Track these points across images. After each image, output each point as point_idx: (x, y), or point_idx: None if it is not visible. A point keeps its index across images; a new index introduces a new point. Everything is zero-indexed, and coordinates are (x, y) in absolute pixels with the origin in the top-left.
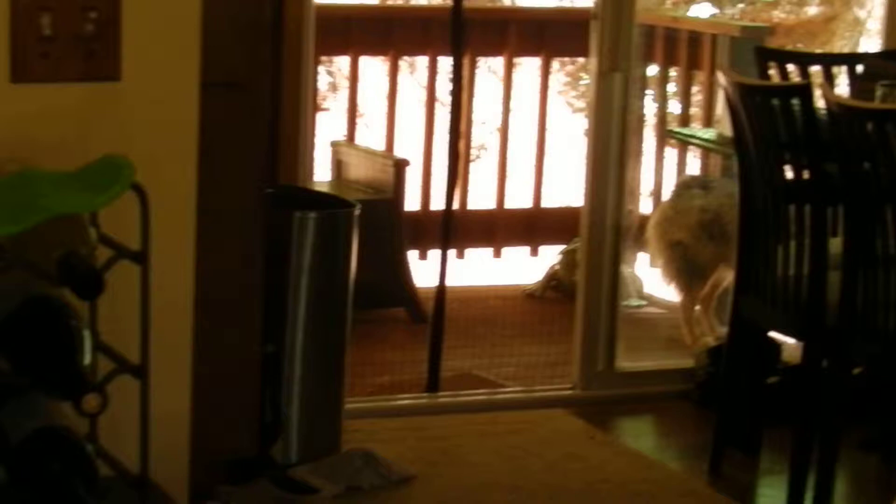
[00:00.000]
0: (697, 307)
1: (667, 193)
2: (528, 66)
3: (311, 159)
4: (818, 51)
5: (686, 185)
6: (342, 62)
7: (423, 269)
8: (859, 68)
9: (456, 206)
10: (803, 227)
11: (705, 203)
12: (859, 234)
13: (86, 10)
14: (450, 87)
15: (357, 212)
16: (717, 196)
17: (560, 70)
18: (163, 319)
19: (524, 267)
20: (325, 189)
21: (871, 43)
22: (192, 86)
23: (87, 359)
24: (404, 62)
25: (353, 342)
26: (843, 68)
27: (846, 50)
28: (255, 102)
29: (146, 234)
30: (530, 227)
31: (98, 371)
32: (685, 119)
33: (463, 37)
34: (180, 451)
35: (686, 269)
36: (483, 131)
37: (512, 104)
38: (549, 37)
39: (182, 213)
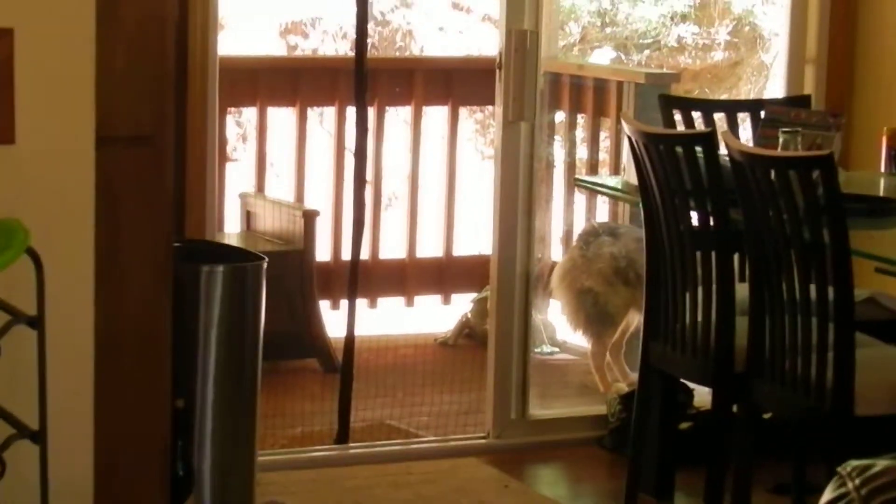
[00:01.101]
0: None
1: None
2: (437, 115)
3: (221, 211)
4: (724, 96)
5: (594, 233)
6: (250, 113)
7: (335, 320)
8: (763, 114)
9: (367, 255)
10: (710, 273)
11: (616, 250)
12: (765, 280)
13: None
14: (356, 136)
15: (265, 265)
16: (627, 242)
17: (469, 117)
18: (62, 383)
19: (436, 315)
20: (234, 240)
21: (776, 86)
22: (87, 145)
23: None
24: (313, 112)
25: (265, 393)
26: (748, 114)
27: (752, 94)
28: (160, 155)
29: (41, 298)
30: (442, 275)
31: None
32: (594, 165)
33: (367, 87)
34: None
35: (596, 317)
36: (393, 180)
37: (421, 153)
38: (456, 85)
39: (79, 275)
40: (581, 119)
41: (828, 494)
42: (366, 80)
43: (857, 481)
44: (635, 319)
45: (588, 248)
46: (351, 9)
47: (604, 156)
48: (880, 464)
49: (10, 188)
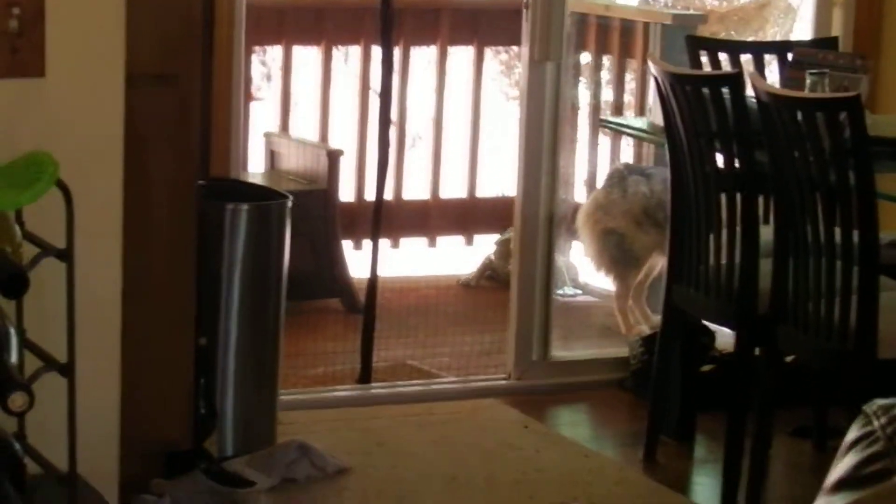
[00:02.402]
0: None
1: (600, 182)
2: (462, 55)
3: (245, 150)
4: (751, 38)
5: (620, 175)
6: (275, 52)
7: (358, 260)
8: (790, 56)
9: (390, 196)
10: (734, 215)
11: (648, 190)
12: (790, 223)
13: (9, 5)
14: (381, 76)
15: (289, 204)
16: (657, 182)
17: (495, 58)
18: (90, 316)
19: (459, 257)
20: (259, 179)
21: (804, 29)
22: (117, 81)
23: (14, 357)
24: (338, 52)
25: (288, 333)
26: (774, 56)
27: (779, 37)
28: (186, 94)
29: (71, 231)
30: (465, 216)
31: (25, 369)
32: (618, 107)
33: (393, 26)
34: (111, 447)
35: (620, 258)
36: (418, 120)
37: (446, 93)
38: (482, 26)
39: (108, 209)
40: (607, 60)
41: (853, 433)
42: (392, 19)
43: (884, 420)
44: (659, 262)
45: (614, 190)
46: None
47: (629, 97)
48: None
49: (41, 121)
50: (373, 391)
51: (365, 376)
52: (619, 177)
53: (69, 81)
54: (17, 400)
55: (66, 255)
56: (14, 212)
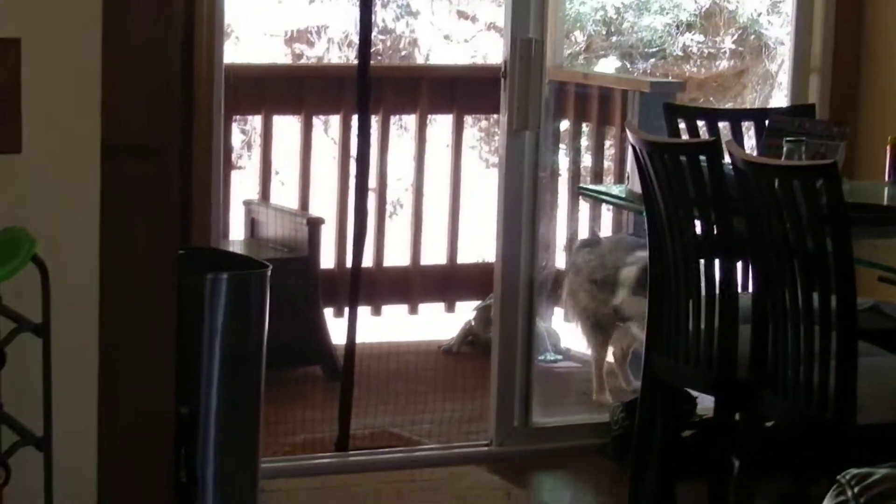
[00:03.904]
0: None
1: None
2: (442, 123)
3: (225, 218)
4: (729, 105)
5: (583, 244)
6: (255, 121)
7: (339, 327)
8: (767, 123)
9: (371, 263)
10: (713, 282)
11: (594, 259)
12: (768, 289)
13: None
14: (358, 143)
15: (269, 273)
16: (604, 251)
17: (474, 125)
18: (67, 390)
19: (440, 323)
20: (239, 248)
21: (782, 95)
22: (93, 155)
23: None
24: (318, 120)
25: (269, 401)
26: (752, 123)
27: (757, 103)
28: (166, 164)
29: (47, 307)
30: (446, 283)
31: (1, 443)
32: (598, 174)
33: (370, 94)
34: None
35: (589, 326)
36: (398, 188)
37: (426, 161)
38: (461, 94)
39: (85, 284)
40: (586, 127)
41: (827, 502)
42: (369, 87)
43: (857, 489)
44: (634, 329)
45: (578, 259)
46: (356, 17)
47: (608, 164)
48: (879, 472)
49: (17, 197)
50: (354, 458)
51: (343, 443)
52: (583, 245)
53: (45, 157)
54: None
55: (42, 330)
56: None
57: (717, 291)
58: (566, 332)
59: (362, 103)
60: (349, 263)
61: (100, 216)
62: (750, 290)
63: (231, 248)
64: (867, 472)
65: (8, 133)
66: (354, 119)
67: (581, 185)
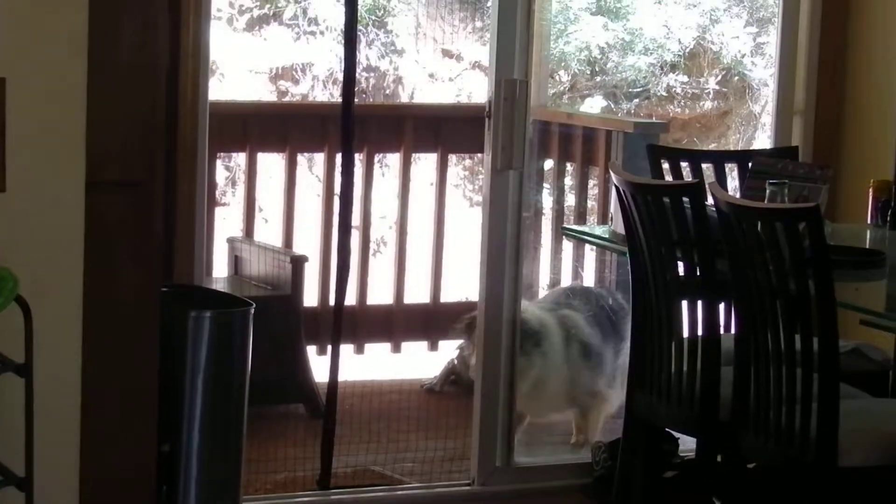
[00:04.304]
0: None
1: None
2: (426, 161)
3: (209, 255)
4: (713, 145)
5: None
6: (240, 158)
7: (322, 365)
8: (750, 165)
9: (354, 301)
10: (696, 323)
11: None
12: (750, 331)
13: None
14: (342, 181)
15: (252, 311)
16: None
17: (458, 164)
18: (49, 430)
19: (423, 361)
20: (222, 285)
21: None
22: (78, 192)
23: None
24: (302, 158)
25: (251, 438)
26: (735, 165)
27: (742, 143)
28: (149, 201)
29: (29, 347)
30: (429, 321)
31: None
32: (582, 213)
33: (354, 133)
34: None
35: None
36: (382, 226)
37: (410, 199)
38: (446, 132)
39: (68, 323)
40: (570, 167)
41: None
42: (353, 126)
43: None
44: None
45: None
46: (340, 55)
47: (592, 203)
48: None
49: (1, 236)
50: (335, 497)
51: (325, 481)
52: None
53: (30, 195)
54: None
55: (25, 370)
56: None
57: (700, 332)
58: None
59: (346, 141)
60: (333, 301)
61: (83, 254)
62: (732, 331)
63: (214, 286)
64: None
65: None
66: (339, 157)
67: (565, 225)
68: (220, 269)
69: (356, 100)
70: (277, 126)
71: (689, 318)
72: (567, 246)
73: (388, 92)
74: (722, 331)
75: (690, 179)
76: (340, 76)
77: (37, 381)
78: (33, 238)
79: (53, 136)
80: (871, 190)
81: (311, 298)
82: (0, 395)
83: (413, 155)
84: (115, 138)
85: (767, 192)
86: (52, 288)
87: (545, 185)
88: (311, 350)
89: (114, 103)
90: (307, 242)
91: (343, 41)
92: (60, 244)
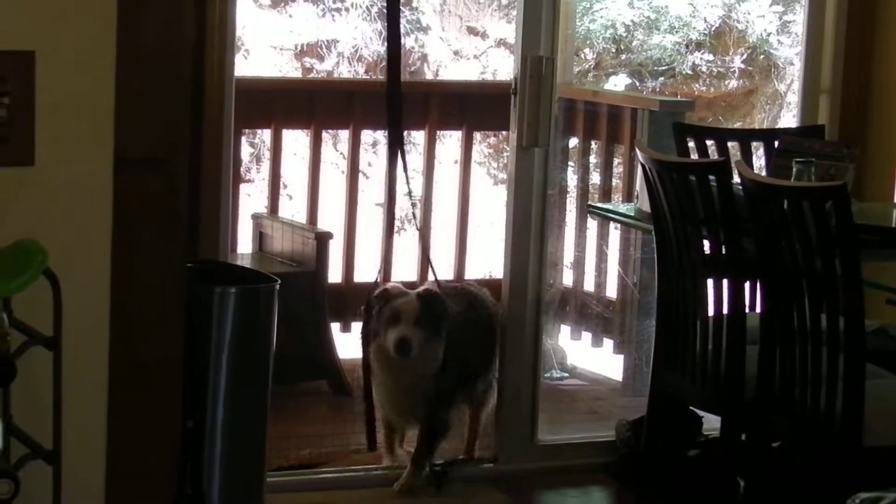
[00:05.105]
0: None
1: (589, 265)
2: (451, 139)
3: (234, 232)
4: (738, 124)
5: None
6: (265, 135)
7: (346, 342)
8: (777, 143)
9: (379, 278)
10: (721, 301)
11: None
12: (776, 310)
13: None
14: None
15: (277, 287)
16: None
17: (483, 142)
18: (76, 403)
19: None
20: (247, 261)
21: (791, 115)
22: (106, 168)
23: (0, 444)
24: (327, 134)
25: (275, 415)
26: (761, 143)
27: (766, 123)
28: (175, 178)
29: (58, 320)
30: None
31: (11, 456)
32: (607, 192)
33: (401, 116)
34: None
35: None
36: (406, 203)
37: (435, 176)
38: (471, 110)
39: (96, 296)
40: (595, 145)
41: None
42: (401, 108)
43: None
44: None
45: None
46: (366, 32)
47: (617, 182)
48: (889, 496)
49: (30, 210)
50: (357, 474)
51: (371, 444)
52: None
53: (58, 169)
54: (2, 487)
55: (53, 344)
56: (1, 300)
57: (725, 311)
58: (573, 349)
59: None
60: (357, 278)
61: (111, 228)
62: (758, 310)
63: (239, 262)
64: (877, 496)
65: (22, 145)
66: (363, 134)
67: (590, 203)
68: (245, 246)
69: (380, 77)
70: (302, 103)
71: (715, 296)
72: (592, 224)
73: (413, 69)
74: (747, 309)
75: (717, 158)
76: (365, 53)
77: (65, 355)
78: (62, 212)
79: (82, 111)
80: None
81: (335, 275)
82: (28, 368)
83: (438, 132)
84: (143, 115)
85: (794, 170)
86: (80, 261)
87: (570, 163)
88: (335, 327)
89: (141, 80)
90: (331, 219)
91: (386, 19)
92: (88, 219)
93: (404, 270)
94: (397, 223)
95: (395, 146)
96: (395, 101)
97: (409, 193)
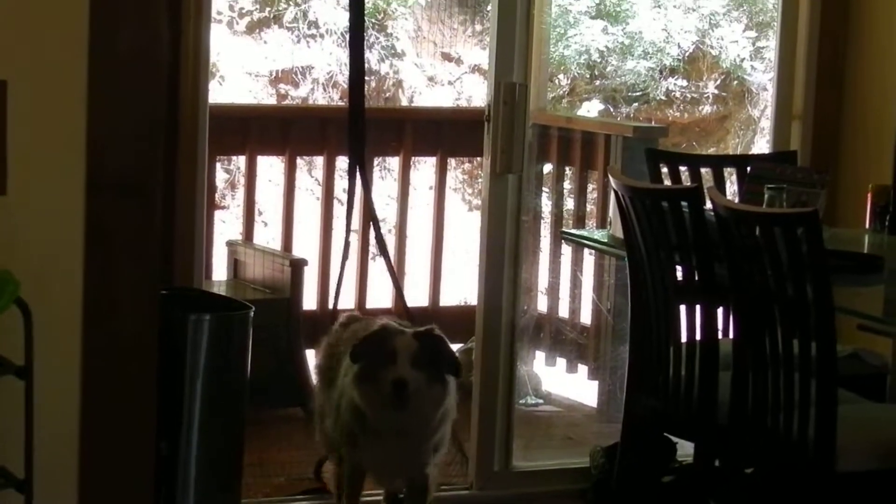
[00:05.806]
0: None
1: (564, 291)
2: (425, 165)
3: (209, 258)
4: (712, 150)
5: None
6: (239, 161)
7: None
8: (749, 169)
9: (353, 304)
10: (694, 327)
11: None
12: (749, 335)
13: None
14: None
15: (251, 314)
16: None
17: (457, 167)
18: (48, 432)
19: None
20: (222, 288)
21: (764, 142)
22: (78, 195)
23: None
24: (302, 161)
25: (250, 441)
26: (734, 169)
27: (741, 147)
28: (149, 204)
29: (30, 349)
30: (427, 324)
31: None
32: (581, 217)
33: (364, 142)
34: None
35: None
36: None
37: (409, 202)
38: (445, 136)
39: (67, 325)
40: (569, 171)
41: None
42: (363, 134)
43: None
44: None
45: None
46: (341, 58)
47: (591, 208)
48: None
49: (1, 239)
50: (333, 502)
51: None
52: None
53: (30, 198)
54: None
55: (25, 373)
56: None
57: (698, 337)
58: (547, 376)
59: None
60: (331, 305)
61: (83, 256)
62: (730, 335)
63: (214, 289)
64: None
65: None
66: (338, 160)
67: (563, 229)
68: (220, 273)
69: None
70: (277, 129)
71: (688, 322)
72: (566, 250)
73: (388, 95)
74: (720, 335)
75: (689, 184)
76: (340, 79)
77: (36, 384)
78: (34, 240)
79: (54, 138)
80: (869, 195)
81: (310, 302)
82: (0, 397)
83: (413, 158)
84: (116, 141)
85: (766, 196)
86: (53, 290)
87: (544, 188)
88: (310, 353)
89: (114, 106)
90: (306, 246)
91: (348, 45)
92: (61, 246)
93: (379, 296)
94: (371, 249)
95: (356, 164)
96: (356, 116)
97: (373, 216)
